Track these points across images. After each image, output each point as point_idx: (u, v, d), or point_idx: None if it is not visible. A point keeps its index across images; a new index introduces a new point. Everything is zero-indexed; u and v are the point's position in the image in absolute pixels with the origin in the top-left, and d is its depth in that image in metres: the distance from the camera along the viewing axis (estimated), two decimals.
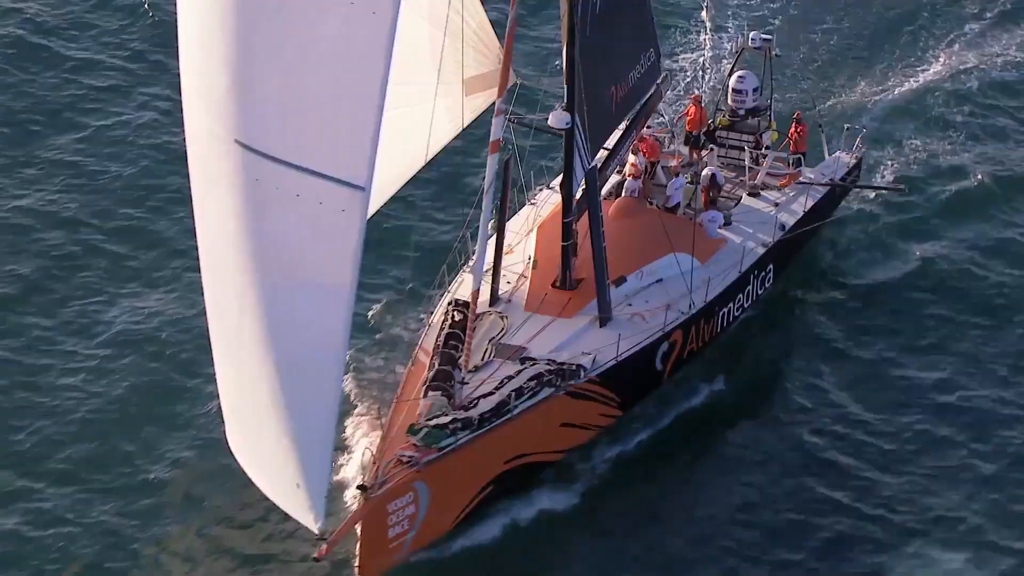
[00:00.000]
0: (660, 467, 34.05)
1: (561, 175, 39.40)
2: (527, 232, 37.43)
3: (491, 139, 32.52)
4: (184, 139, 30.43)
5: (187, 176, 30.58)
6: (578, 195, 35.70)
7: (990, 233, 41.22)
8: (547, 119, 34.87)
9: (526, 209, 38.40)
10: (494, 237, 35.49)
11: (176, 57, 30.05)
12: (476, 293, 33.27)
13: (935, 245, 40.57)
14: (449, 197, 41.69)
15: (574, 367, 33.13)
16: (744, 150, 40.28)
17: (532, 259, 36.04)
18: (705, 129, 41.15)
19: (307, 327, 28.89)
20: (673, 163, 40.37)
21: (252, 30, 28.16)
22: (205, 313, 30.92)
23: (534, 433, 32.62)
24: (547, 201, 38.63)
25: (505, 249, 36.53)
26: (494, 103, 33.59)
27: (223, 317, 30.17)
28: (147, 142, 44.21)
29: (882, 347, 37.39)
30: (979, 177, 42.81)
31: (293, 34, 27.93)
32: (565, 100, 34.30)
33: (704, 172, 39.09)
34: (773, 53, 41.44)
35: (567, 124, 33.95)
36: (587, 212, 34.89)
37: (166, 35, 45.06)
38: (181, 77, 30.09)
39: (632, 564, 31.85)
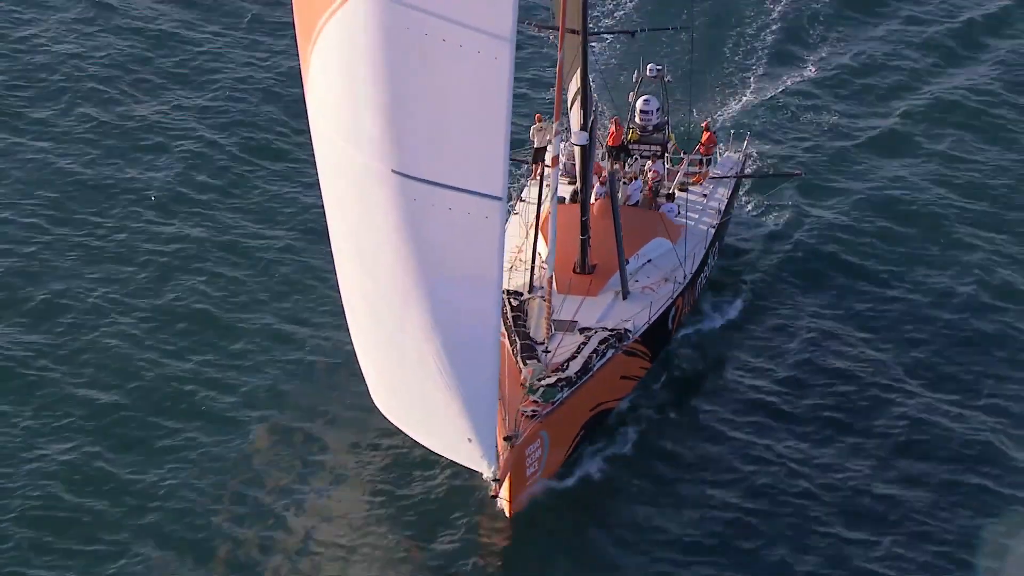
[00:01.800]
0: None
1: (525, 189, 47.64)
2: (524, 234, 45.26)
3: (551, 155, 40.48)
4: None
5: None
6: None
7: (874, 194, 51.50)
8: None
9: (515, 218, 46.25)
10: (530, 236, 43.51)
11: None
12: (551, 280, 41.23)
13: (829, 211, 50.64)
14: None
15: (623, 331, 41.39)
16: (664, 157, 49.12)
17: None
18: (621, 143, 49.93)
19: (465, 312, 36.12)
20: (603, 174, 48.85)
21: (401, 81, 35.00)
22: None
23: (606, 385, 40.76)
24: (526, 210, 46.59)
25: (516, 249, 44.57)
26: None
27: (383, 313, 37.09)
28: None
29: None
30: (836, 147, 53.45)
31: (434, 81, 34.88)
32: (581, 122, 42.63)
33: (649, 176, 47.78)
34: (666, 79, 50.45)
35: (586, 141, 42.19)
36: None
37: None
38: (320, 124, 36.91)
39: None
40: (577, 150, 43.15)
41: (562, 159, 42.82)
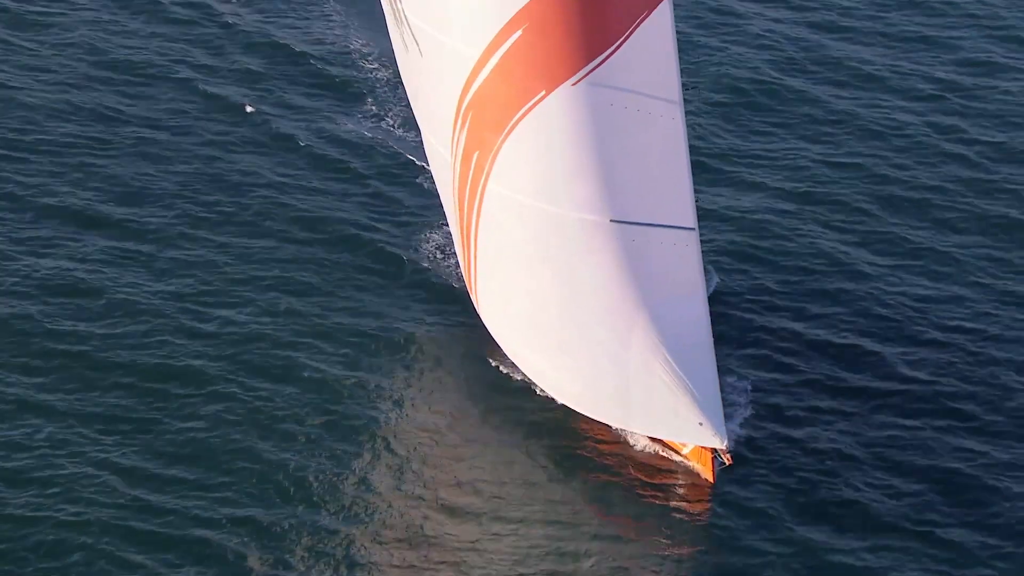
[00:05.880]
0: None
1: None
2: None
3: None
4: None
5: None
6: None
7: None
8: None
9: None
10: None
11: None
12: None
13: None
14: None
15: None
16: None
17: None
18: None
19: (682, 322, 45.07)
20: None
21: (608, 146, 43.63)
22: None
23: None
24: None
25: None
26: None
27: (603, 337, 45.62)
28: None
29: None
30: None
31: (635, 142, 43.74)
32: None
33: None
34: None
35: None
36: None
37: None
38: (508, 193, 44.97)
39: None
40: None
41: None
